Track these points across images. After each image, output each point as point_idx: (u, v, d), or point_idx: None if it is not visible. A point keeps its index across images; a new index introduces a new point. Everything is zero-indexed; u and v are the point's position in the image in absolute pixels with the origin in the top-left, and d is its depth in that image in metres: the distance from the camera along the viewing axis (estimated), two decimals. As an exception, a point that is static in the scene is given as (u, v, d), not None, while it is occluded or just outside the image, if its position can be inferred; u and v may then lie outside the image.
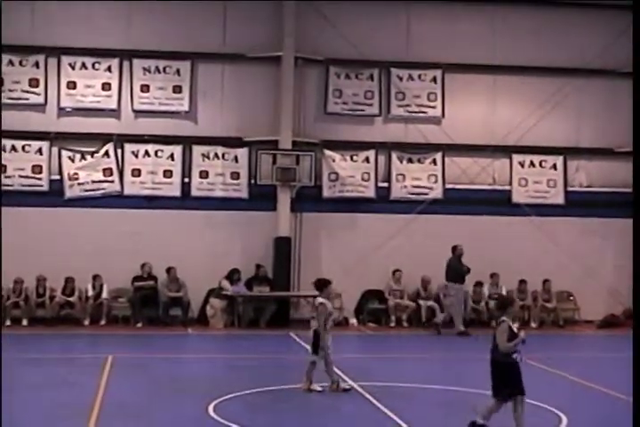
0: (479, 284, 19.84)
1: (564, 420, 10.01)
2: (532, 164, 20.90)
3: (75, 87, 19.39)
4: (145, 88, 19.65)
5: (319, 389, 11.33)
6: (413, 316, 19.64)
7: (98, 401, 10.67)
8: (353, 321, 19.61)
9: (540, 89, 20.67)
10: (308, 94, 20.21)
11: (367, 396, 11.21)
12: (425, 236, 19.95)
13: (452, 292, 18.49)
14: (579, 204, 20.68)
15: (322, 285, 11.75)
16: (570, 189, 20.93)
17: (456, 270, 18.42)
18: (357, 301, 20.00)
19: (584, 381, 12.75)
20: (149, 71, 19.65)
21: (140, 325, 18.63)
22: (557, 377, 13.27)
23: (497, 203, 20.47)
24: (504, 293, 19.35)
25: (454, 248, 18.59)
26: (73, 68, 19.38)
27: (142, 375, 12.82)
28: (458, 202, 20.21)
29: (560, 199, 20.90)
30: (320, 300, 11.66)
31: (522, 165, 20.86)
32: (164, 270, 19.02)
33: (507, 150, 20.73)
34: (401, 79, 20.45)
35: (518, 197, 20.75)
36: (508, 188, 20.76)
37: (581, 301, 20.40)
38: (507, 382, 8.92)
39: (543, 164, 20.93)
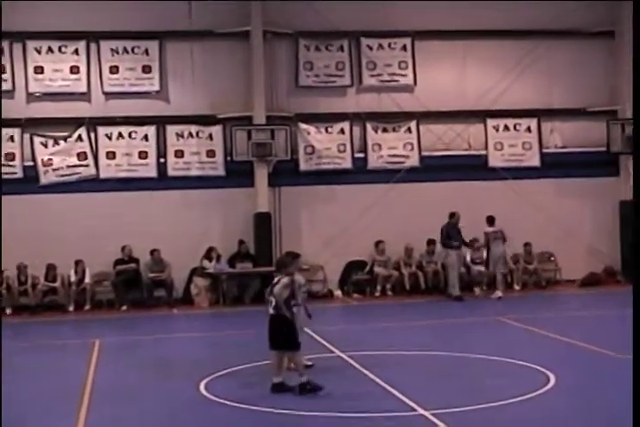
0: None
1: (552, 378, 10.14)
2: (506, 127, 20.90)
3: (42, 72, 19.18)
4: (114, 69, 19.46)
5: (309, 363, 10.99)
6: (397, 285, 19.75)
7: (88, 386, 10.67)
8: (337, 293, 19.68)
9: (510, 52, 20.63)
10: (279, 68, 20.09)
11: (356, 366, 11.28)
12: (404, 204, 19.97)
13: (447, 258, 18.80)
14: (554, 165, 20.72)
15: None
16: (545, 150, 20.99)
17: (447, 237, 18.63)
18: (341, 272, 20.05)
19: (569, 339, 12.87)
20: (117, 52, 19.45)
21: (124, 308, 18.60)
22: (542, 337, 13.40)
23: (473, 168, 20.49)
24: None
25: (451, 215, 18.73)
26: (39, 52, 19.13)
27: (131, 358, 12.82)
28: (435, 169, 20.22)
29: (536, 161, 20.95)
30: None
31: (496, 129, 20.86)
32: (147, 252, 18.96)
33: (480, 115, 20.72)
34: (371, 49, 20.36)
35: (494, 161, 20.79)
36: (483, 152, 20.77)
37: (562, 261, 20.54)
38: (282, 334, 9.78)
39: (517, 127, 20.94)
